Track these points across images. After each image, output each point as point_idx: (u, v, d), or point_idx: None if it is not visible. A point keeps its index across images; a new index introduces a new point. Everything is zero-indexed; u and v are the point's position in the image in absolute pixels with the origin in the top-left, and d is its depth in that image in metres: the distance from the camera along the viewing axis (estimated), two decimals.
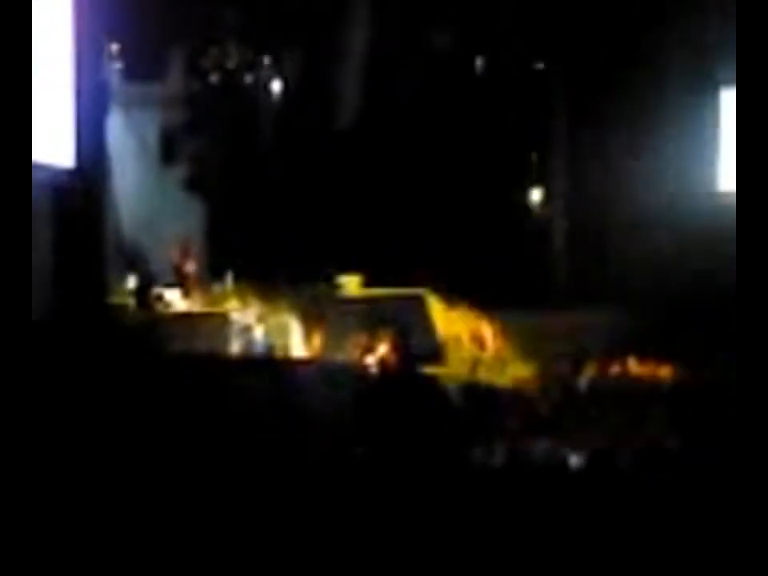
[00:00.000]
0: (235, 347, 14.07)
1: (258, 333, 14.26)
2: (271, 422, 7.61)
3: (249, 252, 16.18)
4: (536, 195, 17.65)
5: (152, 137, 16.65)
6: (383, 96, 16.77)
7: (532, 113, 17.04)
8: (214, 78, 16.90)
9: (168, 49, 16.50)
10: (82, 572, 5.50)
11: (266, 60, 17.06)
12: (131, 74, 16.17)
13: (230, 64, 16.85)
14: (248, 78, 17.10)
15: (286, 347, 14.38)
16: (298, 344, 14.52)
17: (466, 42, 16.67)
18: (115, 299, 13.69)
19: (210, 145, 17.08)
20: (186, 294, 14.84)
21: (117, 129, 15.35)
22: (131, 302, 14.26)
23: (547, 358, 13.55)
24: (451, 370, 13.62)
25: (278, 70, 17.10)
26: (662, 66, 15.46)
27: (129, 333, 12.05)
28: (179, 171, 16.85)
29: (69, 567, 5.47)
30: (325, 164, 16.74)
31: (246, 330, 14.24)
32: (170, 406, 7.32)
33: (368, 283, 15.65)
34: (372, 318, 14.57)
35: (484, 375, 13.43)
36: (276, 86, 17.14)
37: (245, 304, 14.58)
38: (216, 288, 15.43)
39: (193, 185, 16.94)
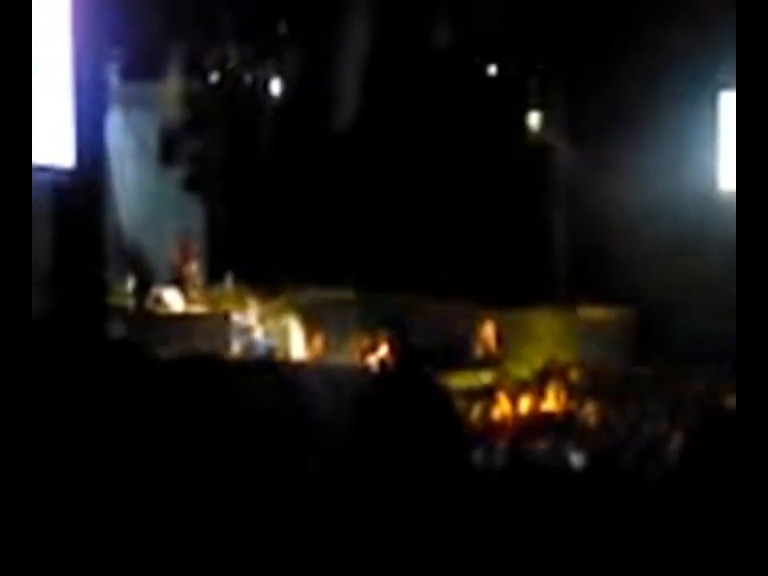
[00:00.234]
0: (236, 348, 14.07)
1: (259, 334, 14.26)
2: (271, 425, 7.59)
3: (248, 252, 16.18)
4: (535, 195, 17.65)
5: (152, 137, 16.64)
6: (383, 96, 16.76)
7: (531, 112, 17.06)
8: (213, 78, 16.89)
9: (168, 49, 16.48)
10: (81, 572, 5.49)
11: (266, 60, 17.05)
12: (131, 73, 16.16)
13: (230, 64, 16.84)
14: (248, 78, 17.09)
15: (286, 348, 14.39)
16: (299, 345, 14.52)
17: (465, 41, 16.66)
18: (114, 300, 13.68)
19: (210, 145, 17.08)
20: (186, 294, 14.84)
21: (116, 129, 15.36)
22: (130, 302, 14.25)
23: None
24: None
25: (278, 70, 17.09)
26: (662, 66, 15.46)
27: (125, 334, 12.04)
28: (179, 171, 16.85)
29: (67, 567, 5.46)
30: (324, 164, 16.73)
31: (247, 330, 14.24)
32: (168, 408, 7.31)
33: (369, 283, 15.67)
34: (372, 319, 14.60)
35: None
36: (276, 86, 17.13)
37: (245, 305, 14.58)
38: (216, 288, 15.44)
39: (192, 185, 16.94)
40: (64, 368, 6.81)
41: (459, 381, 12.25)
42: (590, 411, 11.21)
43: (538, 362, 13.53)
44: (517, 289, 15.25)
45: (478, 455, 7.89)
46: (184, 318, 14.21)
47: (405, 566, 5.20)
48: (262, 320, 14.43)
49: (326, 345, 14.48)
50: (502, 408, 11.93)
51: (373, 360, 13.79)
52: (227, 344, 14.03)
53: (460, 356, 13.73)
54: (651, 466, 7.37)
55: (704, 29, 14.73)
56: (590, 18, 15.95)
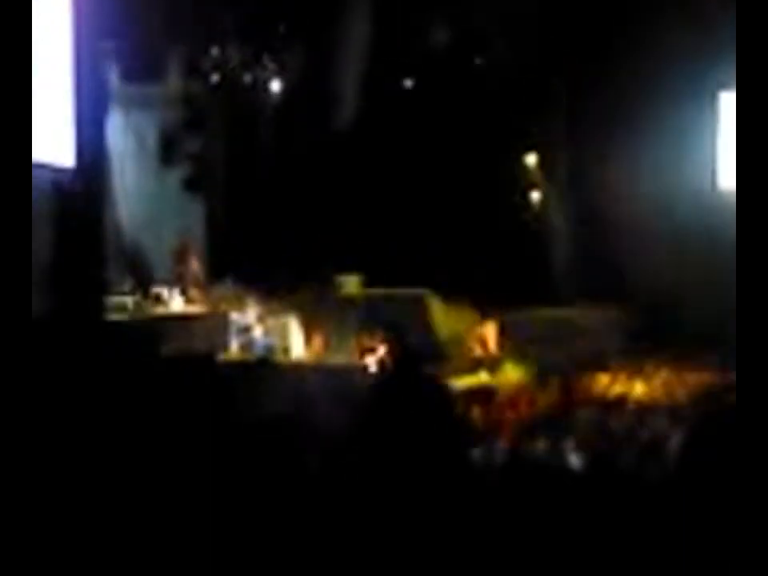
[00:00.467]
0: (234, 347, 14.08)
1: (258, 333, 14.26)
2: (270, 424, 7.62)
3: (249, 252, 16.18)
4: (535, 195, 17.66)
5: (151, 137, 16.65)
6: (383, 96, 16.77)
7: (531, 112, 17.06)
8: (213, 78, 16.89)
9: (167, 49, 16.49)
10: (79, 572, 5.51)
11: (266, 60, 17.05)
12: (131, 74, 16.16)
13: (230, 64, 16.84)
14: (248, 78, 17.09)
15: (286, 348, 14.38)
16: (298, 344, 14.51)
17: (465, 40, 16.66)
18: (114, 299, 13.68)
19: (210, 145, 17.08)
20: (185, 293, 14.83)
21: (116, 129, 15.36)
22: (129, 301, 14.25)
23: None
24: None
25: (278, 70, 17.09)
26: (661, 66, 15.47)
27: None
28: (179, 171, 16.85)
29: (65, 567, 5.47)
30: (324, 164, 16.74)
31: (246, 330, 14.24)
32: (166, 406, 7.33)
33: (369, 283, 15.67)
34: (372, 319, 14.58)
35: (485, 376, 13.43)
36: (276, 85, 17.13)
37: (244, 304, 14.58)
38: (216, 288, 15.44)
39: (192, 185, 16.94)
40: (63, 366, 6.85)
41: (458, 381, 12.25)
42: (588, 410, 11.19)
43: (536, 361, 13.52)
44: (517, 289, 15.26)
45: (477, 454, 7.91)
46: (183, 317, 14.20)
47: (405, 562, 5.22)
48: (261, 319, 14.43)
49: (326, 344, 14.48)
50: (500, 407, 11.92)
51: (372, 360, 13.77)
52: (226, 343, 14.03)
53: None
54: (651, 465, 7.38)
55: (703, 28, 14.73)
56: (589, 17, 15.96)
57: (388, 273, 15.23)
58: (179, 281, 15.00)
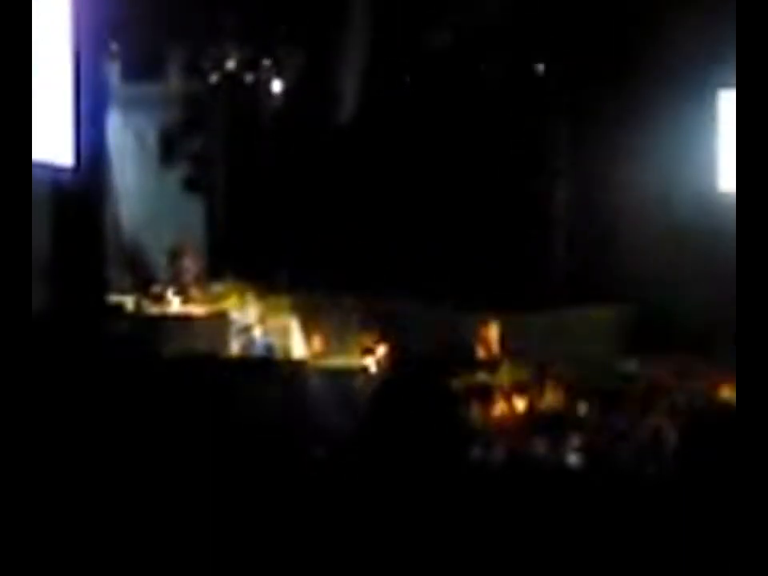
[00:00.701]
0: (234, 347, 14.10)
1: (258, 333, 14.28)
2: (271, 424, 7.62)
3: (249, 252, 16.19)
4: (535, 196, 17.64)
5: (151, 137, 16.65)
6: (384, 96, 16.77)
7: (532, 113, 17.05)
8: (213, 78, 16.90)
9: (167, 49, 16.49)
10: (78, 572, 5.51)
11: (266, 60, 17.05)
12: (131, 73, 16.17)
13: (230, 64, 16.85)
14: (248, 78, 17.10)
15: (286, 347, 14.40)
16: (299, 345, 14.53)
17: (466, 40, 16.66)
18: (114, 298, 13.70)
19: (210, 145, 17.09)
20: (182, 293, 14.82)
21: (116, 128, 15.37)
22: (129, 300, 14.28)
23: None
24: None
25: (278, 70, 17.10)
26: (659, 66, 15.46)
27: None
28: (178, 171, 16.86)
29: (65, 567, 5.48)
30: (325, 164, 16.74)
31: (246, 330, 14.26)
32: (167, 404, 7.33)
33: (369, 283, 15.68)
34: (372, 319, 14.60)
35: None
36: (276, 85, 17.14)
37: (244, 304, 14.59)
38: (216, 287, 15.45)
39: (192, 184, 16.95)
40: (64, 365, 6.86)
41: (457, 381, 12.25)
42: (587, 410, 11.22)
43: (535, 362, 13.52)
44: (517, 290, 15.25)
45: (476, 454, 7.92)
46: (183, 316, 14.22)
47: (405, 560, 5.22)
48: (261, 319, 14.45)
49: (326, 345, 14.49)
50: (499, 407, 11.94)
51: (371, 361, 13.79)
52: (226, 342, 14.05)
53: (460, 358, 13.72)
54: (649, 464, 7.39)
55: (703, 27, 14.73)
56: (589, 17, 15.95)
57: (388, 273, 15.26)
58: (174, 281, 14.99)
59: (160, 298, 14.55)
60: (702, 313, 14.38)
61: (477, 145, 16.66)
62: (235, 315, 14.40)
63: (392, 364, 13.34)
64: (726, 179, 15.05)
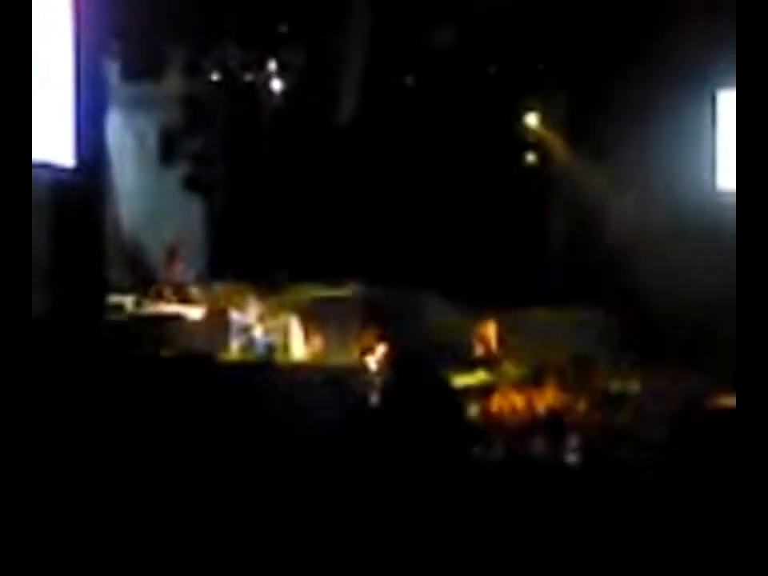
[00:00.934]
0: (234, 346, 14.10)
1: (258, 332, 14.29)
2: (271, 423, 7.63)
3: (249, 251, 16.20)
4: (534, 195, 17.65)
5: (151, 136, 16.66)
6: (384, 95, 16.78)
7: (530, 112, 17.08)
8: (214, 78, 16.90)
9: (168, 48, 16.49)
10: (78, 571, 5.51)
11: (266, 60, 17.05)
12: (131, 73, 16.17)
13: (230, 64, 16.85)
14: (248, 78, 17.10)
15: (286, 347, 14.41)
16: (299, 344, 14.54)
17: (466, 39, 16.66)
18: (114, 298, 13.71)
19: (210, 144, 17.09)
20: (174, 293, 14.82)
21: (116, 128, 15.36)
22: (129, 300, 14.29)
23: None
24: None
25: (279, 70, 17.10)
26: (658, 65, 15.47)
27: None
28: (179, 170, 16.86)
29: (64, 567, 5.48)
30: (325, 163, 16.76)
31: (246, 329, 14.27)
32: (166, 404, 7.34)
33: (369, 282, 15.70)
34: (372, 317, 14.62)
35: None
36: (276, 85, 17.14)
37: (244, 303, 14.60)
38: (216, 287, 15.47)
39: (192, 184, 16.95)
40: (64, 365, 6.86)
41: (457, 380, 12.27)
42: (585, 409, 11.22)
43: (534, 361, 13.54)
44: (515, 290, 15.27)
45: (476, 451, 7.92)
46: (175, 316, 14.24)
47: (405, 560, 5.23)
48: (261, 318, 14.45)
49: (327, 344, 14.50)
50: (499, 406, 11.95)
51: (371, 360, 13.80)
52: (226, 342, 14.06)
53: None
54: (646, 462, 7.39)
55: (702, 27, 14.74)
56: (588, 17, 15.96)
57: (389, 272, 15.27)
58: (167, 283, 15.00)
59: (158, 298, 14.56)
60: (699, 316, 14.40)
61: (476, 144, 16.68)
62: (235, 315, 14.40)
63: (393, 363, 13.35)
64: (724, 178, 15.06)
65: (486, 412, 11.32)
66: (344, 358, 14.02)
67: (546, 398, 11.93)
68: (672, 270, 15.10)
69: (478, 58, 16.95)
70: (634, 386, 12.36)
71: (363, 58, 16.72)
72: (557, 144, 17.14)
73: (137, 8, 14.30)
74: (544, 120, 17.17)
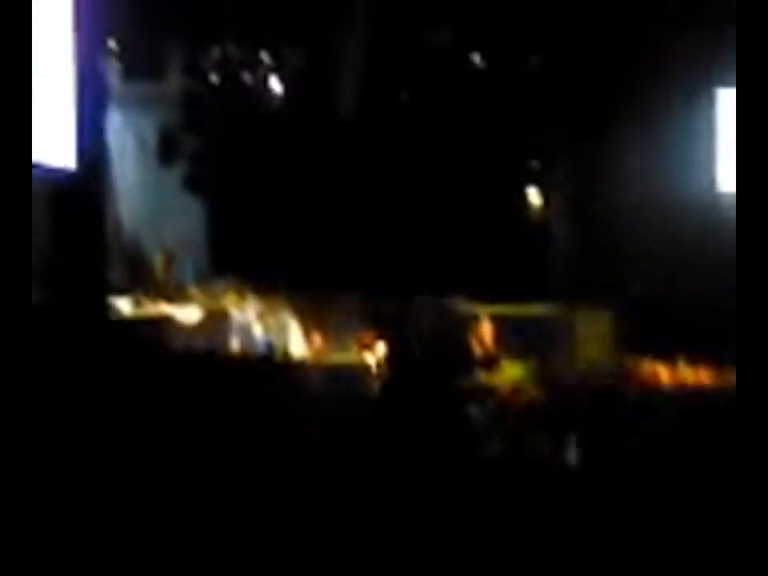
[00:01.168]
0: (234, 345, 14.14)
1: (258, 331, 14.32)
2: (273, 423, 7.64)
3: (249, 251, 16.21)
4: (534, 196, 17.67)
5: (151, 136, 16.67)
6: (383, 96, 16.79)
7: (531, 112, 17.07)
8: (213, 77, 16.91)
9: (168, 48, 16.51)
10: (77, 571, 5.51)
11: (266, 59, 17.07)
12: (131, 73, 16.18)
13: (230, 64, 16.86)
14: (248, 78, 17.11)
15: (286, 346, 14.44)
16: (298, 343, 14.57)
17: (466, 39, 16.67)
18: (115, 298, 13.73)
19: (210, 144, 17.10)
20: (167, 294, 14.84)
21: (116, 128, 15.38)
22: (130, 301, 14.31)
23: None
24: None
25: (278, 70, 17.11)
26: (657, 66, 15.48)
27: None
28: (179, 170, 16.87)
29: (64, 566, 5.48)
30: (325, 163, 16.76)
31: (246, 328, 14.30)
32: (168, 401, 7.35)
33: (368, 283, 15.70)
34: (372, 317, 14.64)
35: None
36: (276, 85, 17.15)
37: (244, 302, 14.63)
38: (216, 286, 15.48)
39: (193, 184, 16.96)
40: (66, 366, 6.86)
41: (459, 380, 12.29)
42: (584, 407, 11.23)
43: (533, 360, 13.56)
44: (514, 287, 15.28)
45: (477, 451, 7.94)
46: (182, 316, 14.27)
47: (407, 557, 5.24)
48: (261, 317, 14.49)
49: (325, 343, 14.53)
50: (498, 404, 11.96)
51: (371, 359, 13.83)
52: (226, 341, 14.09)
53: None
54: (645, 460, 7.41)
55: (702, 27, 14.75)
56: (588, 15, 15.96)
57: (388, 272, 15.29)
58: (166, 284, 15.04)
59: (157, 298, 14.59)
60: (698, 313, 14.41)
61: (475, 143, 16.69)
62: (235, 314, 14.43)
63: (394, 363, 13.38)
64: (724, 180, 15.06)
65: (486, 411, 11.31)
66: (344, 356, 14.06)
67: (546, 397, 11.96)
68: (671, 269, 15.11)
69: (476, 57, 16.96)
70: None
71: (362, 58, 16.73)
72: (556, 145, 17.14)
73: (136, 8, 14.31)
74: (542, 120, 17.17)
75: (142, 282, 15.00)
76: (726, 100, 14.99)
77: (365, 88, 16.84)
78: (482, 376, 13.28)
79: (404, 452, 6.40)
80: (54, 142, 11.17)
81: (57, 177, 11.39)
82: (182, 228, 16.17)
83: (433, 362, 12.54)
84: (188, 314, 14.44)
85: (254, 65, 17.03)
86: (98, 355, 8.46)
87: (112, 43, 15.13)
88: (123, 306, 14.02)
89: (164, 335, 13.16)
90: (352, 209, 16.59)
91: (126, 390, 7.47)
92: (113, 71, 15.63)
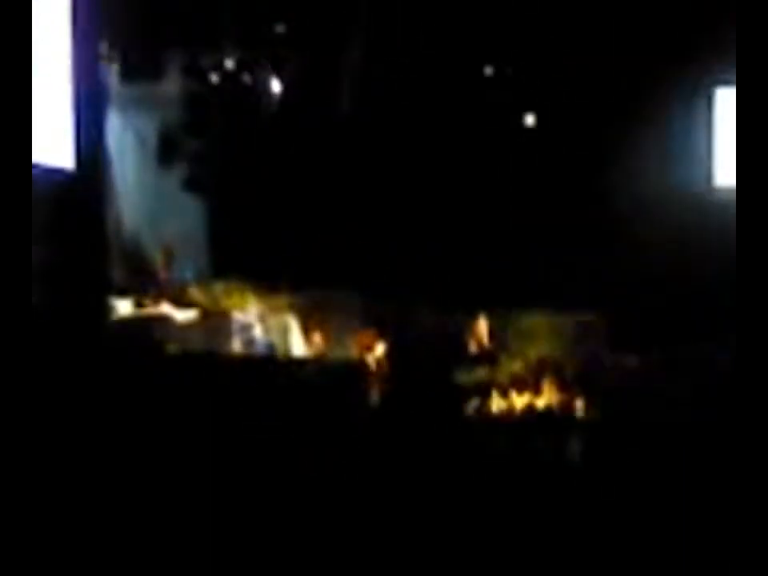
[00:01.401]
0: (236, 345, 14.15)
1: (258, 331, 14.33)
2: (272, 422, 7.64)
3: (250, 251, 16.23)
4: (532, 192, 17.64)
5: (151, 137, 16.68)
6: (383, 96, 16.80)
7: (529, 110, 17.09)
8: (213, 78, 16.92)
9: (167, 49, 16.52)
10: (76, 571, 5.52)
11: (265, 60, 17.08)
12: (130, 74, 16.19)
13: (229, 64, 16.87)
14: (247, 79, 17.12)
15: (286, 346, 14.45)
16: (299, 343, 14.58)
17: (461, 39, 16.68)
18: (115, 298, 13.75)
19: (210, 145, 17.11)
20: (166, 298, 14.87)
21: (115, 129, 15.39)
22: (130, 301, 14.33)
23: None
24: None
25: (277, 70, 17.12)
26: (656, 61, 15.49)
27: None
28: (179, 171, 16.89)
29: (64, 566, 5.49)
30: (325, 163, 16.78)
31: (246, 328, 14.31)
32: (166, 403, 7.36)
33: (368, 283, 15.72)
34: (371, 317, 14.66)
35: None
36: (275, 86, 17.16)
37: (245, 303, 14.64)
38: (217, 287, 15.50)
39: (193, 184, 16.98)
40: (66, 366, 6.88)
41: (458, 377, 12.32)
42: (583, 405, 11.26)
43: (531, 358, 13.60)
44: (512, 290, 15.29)
45: (477, 448, 7.94)
46: (181, 316, 14.28)
47: (408, 554, 5.26)
48: (261, 318, 14.50)
49: (327, 342, 14.55)
50: (497, 403, 12.00)
51: (370, 359, 13.85)
52: (227, 341, 14.10)
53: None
54: (643, 459, 7.41)
55: (701, 23, 14.76)
56: (585, 12, 15.97)
57: (388, 272, 15.31)
58: (166, 285, 15.05)
59: (158, 298, 14.61)
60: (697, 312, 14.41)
61: (474, 144, 16.70)
62: (236, 314, 14.45)
63: (395, 361, 13.42)
64: (722, 175, 15.07)
65: (484, 410, 11.34)
66: (344, 357, 14.09)
67: (545, 395, 11.98)
68: (670, 268, 15.12)
69: (474, 57, 16.97)
70: None
71: (361, 58, 16.73)
72: (554, 141, 17.15)
73: (136, 9, 14.32)
74: (540, 118, 17.17)
75: (142, 283, 15.01)
76: (723, 97, 15.00)
77: (365, 88, 16.85)
78: (481, 372, 13.32)
79: (403, 450, 6.41)
80: (52, 143, 11.18)
81: (56, 177, 11.39)
82: (182, 228, 16.18)
83: (433, 360, 12.58)
84: (188, 314, 14.46)
85: (254, 65, 17.04)
86: (98, 356, 8.47)
87: (111, 43, 15.13)
88: (123, 306, 14.04)
89: (164, 336, 13.17)
90: (352, 209, 16.60)
91: (125, 389, 7.48)
92: (112, 72, 15.64)
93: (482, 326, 14.45)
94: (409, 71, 17.12)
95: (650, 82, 15.74)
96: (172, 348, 12.10)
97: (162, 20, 15.46)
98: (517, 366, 13.07)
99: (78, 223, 11.90)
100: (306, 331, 14.70)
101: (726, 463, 5.35)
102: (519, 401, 11.92)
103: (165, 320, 14.02)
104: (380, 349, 13.96)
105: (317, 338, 14.57)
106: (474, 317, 14.55)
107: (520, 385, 12.35)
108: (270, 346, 14.22)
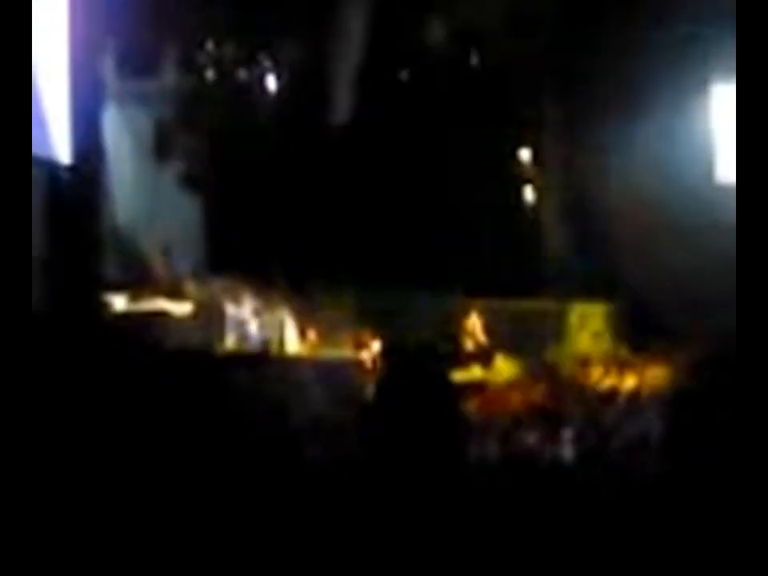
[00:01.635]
0: (230, 341, 14.18)
1: (254, 327, 14.36)
2: (267, 419, 7.65)
3: (245, 247, 16.24)
4: (530, 188, 17.69)
5: (147, 132, 16.69)
6: (379, 92, 16.81)
7: (526, 105, 17.10)
8: (209, 74, 16.94)
9: (163, 45, 16.53)
10: (76, 571, 5.54)
11: (262, 56, 17.09)
12: (127, 70, 16.21)
13: (226, 60, 16.89)
14: (243, 75, 17.14)
15: (281, 342, 14.47)
16: (293, 339, 14.61)
17: (461, 34, 16.70)
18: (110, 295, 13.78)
19: (206, 140, 17.13)
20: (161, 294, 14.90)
21: (112, 125, 15.40)
22: (126, 298, 14.37)
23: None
24: None
25: (274, 67, 17.14)
26: (656, 58, 15.51)
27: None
28: (175, 167, 16.90)
29: (64, 565, 5.51)
30: (321, 159, 16.79)
31: (241, 324, 14.34)
32: (163, 397, 7.37)
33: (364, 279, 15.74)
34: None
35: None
36: (272, 82, 17.18)
37: (240, 298, 14.67)
38: (213, 282, 15.53)
39: (189, 180, 16.99)
40: (62, 362, 6.88)
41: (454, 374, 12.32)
42: (579, 404, 11.29)
43: (529, 355, 13.60)
44: (507, 280, 15.30)
45: (470, 448, 7.95)
46: (178, 312, 14.32)
47: (403, 557, 5.27)
48: (257, 313, 14.53)
49: (321, 339, 14.57)
50: (492, 401, 12.01)
51: (366, 356, 13.86)
52: (222, 337, 14.13)
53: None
54: (640, 458, 7.45)
55: (700, 18, 14.79)
56: (584, 7, 15.99)
57: (384, 268, 15.34)
58: (162, 280, 15.09)
59: (154, 294, 14.65)
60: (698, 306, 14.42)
61: (472, 138, 16.72)
62: (231, 310, 14.48)
63: (388, 354, 13.41)
64: (722, 171, 15.10)
65: (481, 408, 11.35)
66: (339, 353, 14.10)
67: (540, 393, 12.00)
68: (670, 264, 15.13)
69: (471, 53, 16.99)
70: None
71: (358, 54, 16.75)
72: (552, 136, 17.17)
73: (132, 5, 14.34)
74: (539, 113, 17.19)
75: (138, 278, 15.04)
76: (722, 92, 15.02)
77: (361, 85, 16.87)
78: (475, 371, 13.32)
79: (399, 448, 6.43)
80: (50, 139, 11.22)
81: (53, 172, 11.43)
82: (177, 224, 16.21)
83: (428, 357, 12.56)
84: (184, 309, 14.49)
85: (250, 62, 17.06)
86: (93, 351, 8.50)
87: (108, 40, 15.15)
88: (119, 301, 14.07)
89: (159, 331, 13.19)
90: (348, 205, 16.62)
91: (121, 386, 7.50)
92: (109, 68, 15.66)
93: (476, 321, 14.34)
94: (404, 67, 17.14)
95: (649, 82, 15.77)
96: (167, 344, 12.12)
97: (158, 16, 15.47)
98: None
99: (74, 218, 11.93)
100: (301, 327, 14.72)
101: (725, 464, 5.37)
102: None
103: (160, 315, 14.05)
104: (375, 346, 13.98)
105: (311, 334, 14.60)
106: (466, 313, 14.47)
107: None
108: (265, 343, 14.24)
